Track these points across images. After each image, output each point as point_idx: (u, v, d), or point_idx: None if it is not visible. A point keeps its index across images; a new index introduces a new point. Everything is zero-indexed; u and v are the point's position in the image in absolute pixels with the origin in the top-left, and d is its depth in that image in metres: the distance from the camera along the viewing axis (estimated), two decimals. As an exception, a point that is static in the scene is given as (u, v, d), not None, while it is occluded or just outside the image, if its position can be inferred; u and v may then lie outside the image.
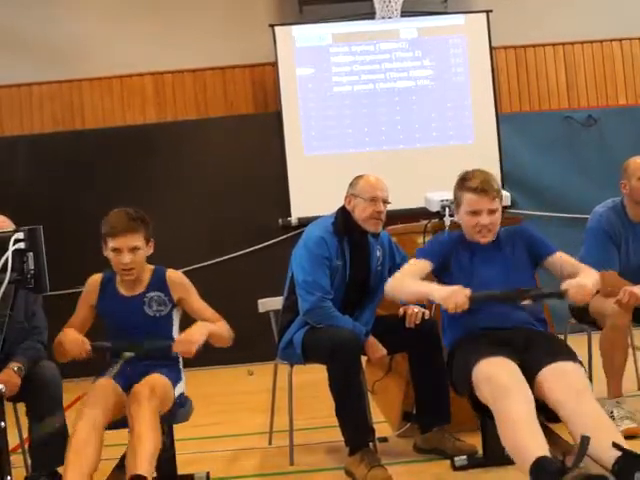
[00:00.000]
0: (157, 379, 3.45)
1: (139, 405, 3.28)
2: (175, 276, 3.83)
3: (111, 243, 3.61)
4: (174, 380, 3.61)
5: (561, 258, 3.67)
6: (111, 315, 3.70)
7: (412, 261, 3.71)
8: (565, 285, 3.40)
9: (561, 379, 3.10)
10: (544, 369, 3.15)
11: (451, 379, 3.56)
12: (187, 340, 3.51)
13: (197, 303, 3.85)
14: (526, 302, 3.47)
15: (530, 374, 3.16)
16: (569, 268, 3.61)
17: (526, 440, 2.85)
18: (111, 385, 3.43)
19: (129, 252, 3.61)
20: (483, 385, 3.15)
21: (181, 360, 3.80)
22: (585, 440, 2.66)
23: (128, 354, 3.46)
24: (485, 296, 3.42)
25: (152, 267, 3.82)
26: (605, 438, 2.79)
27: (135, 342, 3.53)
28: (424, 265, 3.63)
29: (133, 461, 3.11)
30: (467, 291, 3.30)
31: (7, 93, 8.03)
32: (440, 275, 3.65)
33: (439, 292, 3.37)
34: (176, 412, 3.60)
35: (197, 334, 3.54)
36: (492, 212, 3.59)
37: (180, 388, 3.72)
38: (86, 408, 3.28)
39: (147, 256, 3.76)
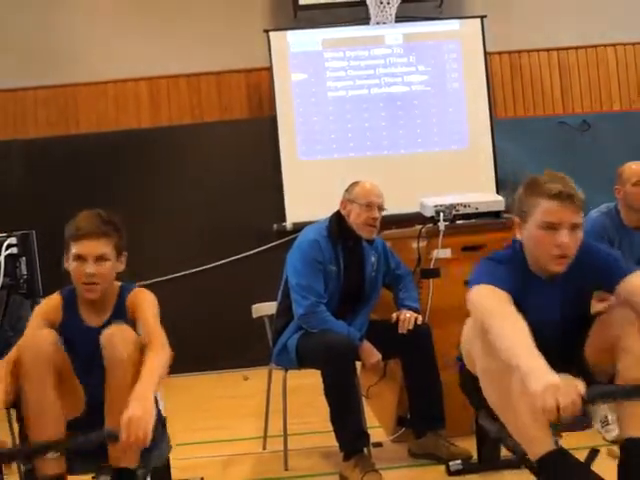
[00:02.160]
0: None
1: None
2: (134, 297, 3.16)
3: (74, 249, 3.04)
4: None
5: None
6: (73, 347, 3.07)
7: (490, 291, 2.73)
8: None
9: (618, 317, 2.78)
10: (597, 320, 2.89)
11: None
12: (133, 437, 2.62)
13: (146, 323, 3.06)
14: None
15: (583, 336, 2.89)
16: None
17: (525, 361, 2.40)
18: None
19: (95, 262, 3.03)
20: (471, 312, 2.77)
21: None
22: (593, 454, 2.58)
23: (51, 454, 2.80)
24: (603, 393, 2.54)
25: (118, 286, 3.20)
26: None
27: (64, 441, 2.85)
28: (502, 295, 2.71)
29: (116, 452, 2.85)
30: (580, 387, 2.33)
31: (1, 97, 8.01)
32: None
33: (537, 377, 2.34)
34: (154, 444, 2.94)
35: (143, 416, 2.65)
36: (575, 228, 2.82)
37: (160, 406, 3.20)
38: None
39: (117, 273, 3.17)
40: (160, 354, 2.92)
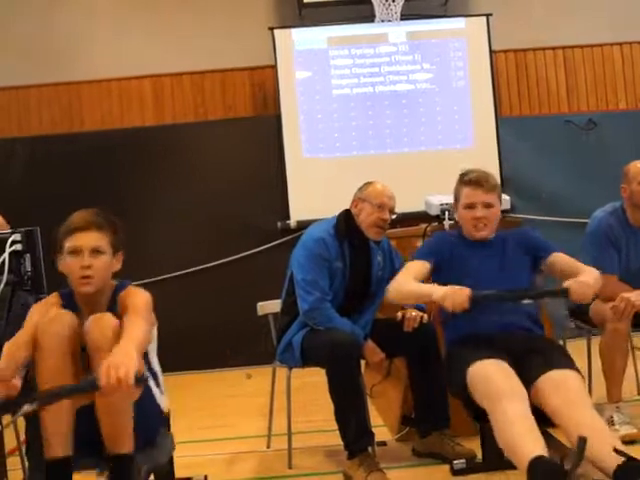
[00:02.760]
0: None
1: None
2: (126, 295, 3.07)
3: (68, 243, 2.99)
4: (155, 398, 3.10)
5: (562, 258, 3.67)
6: None
7: (410, 263, 3.70)
8: (566, 283, 3.41)
9: (558, 387, 3.09)
10: (542, 377, 3.15)
11: (447, 380, 3.56)
12: (114, 381, 2.56)
13: (131, 301, 3.01)
14: (527, 301, 3.45)
15: (527, 381, 3.15)
16: (569, 269, 3.60)
17: (523, 440, 2.85)
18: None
19: (90, 254, 2.99)
20: (478, 386, 3.15)
21: (160, 376, 3.24)
22: (582, 441, 2.64)
23: (26, 407, 2.64)
24: (485, 296, 3.38)
25: (114, 284, 3.15)
26: (604, 444, 2.78)
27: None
28: (422, 265, 3.64)
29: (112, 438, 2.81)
30: (467, 290, 3.29)
31: (5, 95, 8.01)
32: (437, 274, 3.64)
33: (438, 291, 3.37)
34: (158, 445, 3.05)
35: (122, 360, 2.60)
36: (488, 205, 3.62)
37: (162, 404, 3.20)
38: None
39: (113, 272, 3.12)
40: (138, 321, 2.87)
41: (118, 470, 2.80)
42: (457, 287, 3.32)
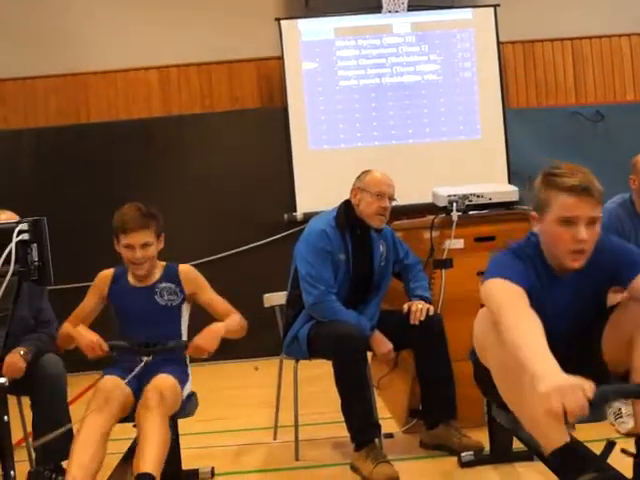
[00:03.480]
0: (166, 382, 3.43)
1: (149, 411, 3.27)
2: (187, 270, 3.86)
3: (123, 240, 3.65)
4: (182, 380, 3.61)
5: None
6: (123, 304, 3.74)
7: (504, 285, 2.66)
8: None
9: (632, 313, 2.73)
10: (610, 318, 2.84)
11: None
12: (201, 347, 3.55)
13: (209, 295, 3.88)
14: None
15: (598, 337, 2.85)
16: None
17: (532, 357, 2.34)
18: (119, 386, 3.41)
19: (141, 248, 3.65)
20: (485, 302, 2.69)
21: (188, 358, 3.81)
22: (610, 446, 2.50)
23: (146, 359, 3.45)
24: (608, 397, 2.36)
25: (164, 263, 3.85)
26: None
27: (150, 342, 3.55)
28: (520, 291, 2.65)
29: (142, 460, 3.10)
30: (588, 388, 2.21)
31: (12, 86, 8.01)
32: None
33: (545, 378, 2.25)
34: (182, 408, 3.58)
35: (211, 341, 3.59)
36: (592, 223, 2.75)
37: (187, 389, 3.72)
38: (93, 413, 3.25)
39: (158, 250, 3.79)
40: (237, 317, 3.85)
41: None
42: (575, 379, 2.23)
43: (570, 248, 2.74)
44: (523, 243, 2.97)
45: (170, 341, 3.60)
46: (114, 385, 3.40)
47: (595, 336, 2.93)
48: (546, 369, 2.28)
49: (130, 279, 3.78)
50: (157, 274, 3.79)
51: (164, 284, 3.76)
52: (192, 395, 3.78)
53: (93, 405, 3.29)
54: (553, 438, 2.58)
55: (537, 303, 2.64)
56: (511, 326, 2.49)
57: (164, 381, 3.43)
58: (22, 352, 3.60)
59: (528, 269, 2.80)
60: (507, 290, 2.65)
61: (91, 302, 3.77)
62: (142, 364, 3.40)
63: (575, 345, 2.84)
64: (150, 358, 3.44)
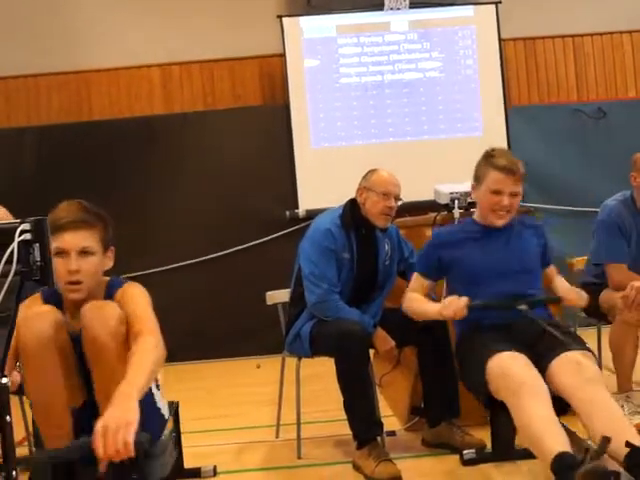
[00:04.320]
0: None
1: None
2: (122, 293, 2.88)
3: (55, 243, 2.69)
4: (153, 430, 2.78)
5: (552, 272, 3.70)
6: None
7: (415, 277, 3.73)
8: (561, 292, 3.54)
9: (572, 368, 3.07)
10: (555, 359, 3.13)
11: (462, 378, 3.54)
12: (112, 451, 2.31)
13: (133, 313, 2.77)
14: (523, 307, 3.40)
15: (541, 365, 3.14)
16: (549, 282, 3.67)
17: (546, 435, 2.81)
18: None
19: (78, 256, 2.79)
20: (497, 381, 3.11)
21: (159, 401, 3.04)
22: (605, 440, 2.61)
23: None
24: (483, 305, 3.40)
25: (106, 282, 2.94)
26: (617, 429, 2.76)
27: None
28: (422, 282, 3.68)
29: None
30: (463, 300, 3.31)
31: (14, 84, 8.02)
32: (450, 274, 3.65)
33: (434, 308, 3.46)
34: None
35: (120, 423, 2.32)
36: (514, 195, 3.52)
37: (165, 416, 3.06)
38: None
39: (104, 269, 2.94)
40: (150, 347, 2.62)
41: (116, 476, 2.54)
42: (451, 298, 3.35)
43: (495, 209, 3.51)
44: (448, 227, 3.98)
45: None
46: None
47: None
48: (433, 306, 3.50)
49: (67, 315, 2.86)
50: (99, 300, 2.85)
51: None
52: (169, 443, 3.12)
53: None
54: (550, 449, 2.73)
55: (468, 254, 3.54)
56: (411, 305, 3.65)
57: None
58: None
59: (435, 252, 3.64)
60: (413, 279, 3.73)
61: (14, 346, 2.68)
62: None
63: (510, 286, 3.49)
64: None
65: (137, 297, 2.82)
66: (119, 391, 2.42)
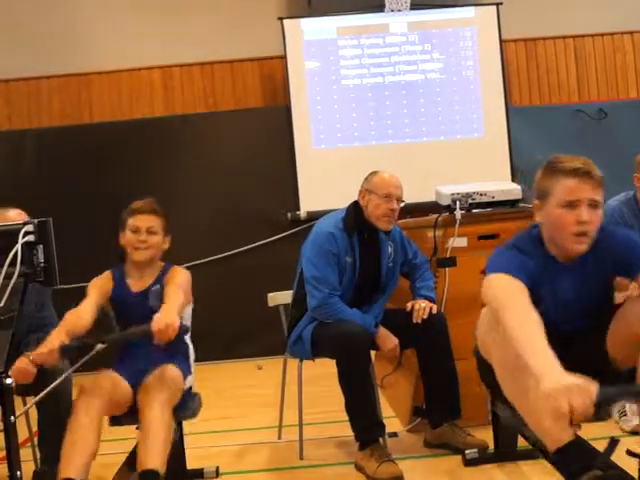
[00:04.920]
0: (167, 370, 3.38)
1: (148, 396, 3.24)
2: (171, 271, 3.70)
3: (131, 221, 3.63)
4: (184, 372, 3.52)
5: None
6: (123, 311, 3.63)
7: (504, 280, 2.70)
8: None
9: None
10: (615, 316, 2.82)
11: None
12: (163, 326, 3.12)
13: (171, 287, 3.54)
14: None
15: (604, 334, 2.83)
16: None
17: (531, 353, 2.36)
18: (113, 378, 3.40)
19: (147, 232, 3.62)
20: (485, 294, 2.70)
21: (191, 353, 3.76)
22: (613, 443, 2.42)
23: (100, 345, 3.09)
24: (614, 398, 2.30)
25: (163, 264, 3.76)
26: None
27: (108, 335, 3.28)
28: (522, 287, 2.66)
29: (144, 455, 3.07)
30: (594, 388, 2.19)
31: (15, 87, 8.02)
32: None
33: (549, 377, 2.24)
34: (185, 405, 3.49)
35: (168, 317, 3.16)
36: (594, 205, 2.79)
37: (189, 381, 3.62)
38: (83, 396, 3.24)
39: (162, 250, 3.73)
40: (175, 289, 3.48)
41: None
42: (579, 379, 2.21)
43: (573, 231, 2.76)
44: (525, 235, 3.00)
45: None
46: (108, 376, 3.40)
47: (601, 329, 2.92)
48: (548, 367, 2.27)
49: (129, 282, 3.67)
50: (153, 275, 3.69)
51: (155, 287, 3.63)
52: (196, 396, 3.70)
53: (85, 391, 3.27)
54: (557, 436, 2.57)
55: (540, 294, 2.72)
56: (512, 325, 2.50)
57: (164, 369, 3.38)
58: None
59: (528, 261, 2.80)
60: (507, 286, 2.67)
61: (93, 302, 3.51)
62: (93, 351, 3.06)
63: (580, 337, 2.87)
64: (104, 345, 3.08)
65: (179, 273, 3.66)
66: (162, 308, 3.27)
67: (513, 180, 7.29)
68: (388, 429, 3.96)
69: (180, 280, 3.61)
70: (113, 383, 3.38)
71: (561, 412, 2.16)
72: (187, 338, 3.73)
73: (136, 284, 3.67)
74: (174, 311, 3.26)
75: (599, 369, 2.45)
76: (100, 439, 3.18)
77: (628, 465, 2.61)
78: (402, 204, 4.14)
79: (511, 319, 2.52)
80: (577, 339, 2.84)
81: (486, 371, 2.99)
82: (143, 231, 3.62)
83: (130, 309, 3.60)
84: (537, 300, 2.65)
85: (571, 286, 2.90)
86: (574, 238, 2.78)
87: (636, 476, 2.57)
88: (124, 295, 3.64)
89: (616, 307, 2.96)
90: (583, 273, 2.89)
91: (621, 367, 2.87)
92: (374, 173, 4.19)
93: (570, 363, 2.29)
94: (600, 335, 2.90)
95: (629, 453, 2.50)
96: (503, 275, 2.70)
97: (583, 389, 2.17)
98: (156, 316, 3.16)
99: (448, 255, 4.34)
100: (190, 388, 3.65)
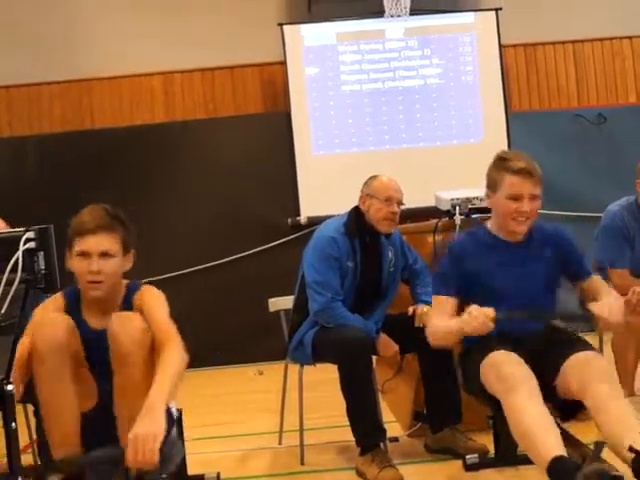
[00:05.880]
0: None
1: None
2: (141, 296, 3.02)
3: (77, 245, 2.90)
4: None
5: (595, 283, 3.44)
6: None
7: (436, 301, 3.41)
8: (596, 310, 3.21)
9: (585, 366, 3.04)
10: (566, 361, 3.10)
11: (463, 379, 3.51)
12: (141, 457, 2.47)
13: (156, 322, 2.90)
14: (557, 321, 3.32)
15: (554, 369, 3.12)
16: (595, 293, 3.40)
17: (539, 434, 2.79)
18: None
19: (99, 258, 2.89)
20: (489, 375, 3.10)
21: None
22: (599, 446, 2.61)
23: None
24: (510, 316, 3.13)
25: (126, 284, 3.07)
26: (627, 427, 2.76)
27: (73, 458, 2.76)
28: (448, 302, 3.35)
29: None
30: (489, 312, 3.02)
31: (16, 93, 8.04)
32: (466, 295, 3.33)
33: (454, 324, 3.17)
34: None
35: (149, 434, 2.49)
36: (534, 198, 3.29)
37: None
38: None
39: (124, 270, 3.04)
40: (176, 357, 2.76)
41: None
42: (474, 309, 3.04)
43: (515, 217, 3.28)
44: (462, 237, 3.66)
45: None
46: None
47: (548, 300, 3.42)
48: (457, 320, 3.13)
49: (84, 313, 3.00)
50: (116, 304, 2.99)
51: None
52: (177, 442, 3.18)
53: None
54: (545, 451, 2.72)
55: (486, 268, 3.32)
56: (436, 330, 3.33)
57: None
58: None
59: (456, 269, 3.36)
60: (435, 304, 3.43)
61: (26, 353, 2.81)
62: None
63: (527, 306, 3.29)
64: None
65: (155, 301, 2.98)
66: (148, 402, 2.57)
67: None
68: (389, 434, 3.96)
69: (164, 312, 2.94)
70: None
71: (472, 331, 3.02)
72: None
73: (95, 317, 3.00)
74: (160, 417, 2.55)
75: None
76: None
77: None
78: (402, 207, 4.16)
79: (433, 332, 3.35)
80: (527, 339, 3.27)
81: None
82: (95, 257, 2.89)
83: (89, 351, 2.94)
84: (487, 278, 3.30)
85: (516, 258, 3.36)
86: (515, 221, 3.29)
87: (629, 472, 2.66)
88: (80, 333, 2.93)
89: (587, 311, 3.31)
90: (527, 250, 3.37)
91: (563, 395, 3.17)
92: (373, 177, 4.21)
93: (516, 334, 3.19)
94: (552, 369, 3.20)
95: (631, 449, 2.64)
96: (435, 297, 3.43)
97: (478, 311, 3.00)
98: (133, 435, 2.47)
99: (448, 260, 4.35)
100: (172, 418, 3.10)
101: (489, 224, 3.48)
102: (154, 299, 2.98)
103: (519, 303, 3.26)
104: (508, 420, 2.97)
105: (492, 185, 3.38)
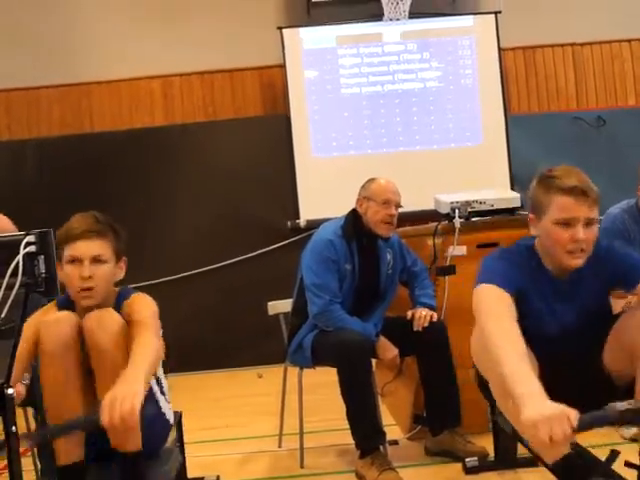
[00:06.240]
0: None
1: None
2: (131, 303, 2.90)
3: (68, 251, 2.83)
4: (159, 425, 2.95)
5: None
6: None
7: (493, 291, 2.71)
8: None
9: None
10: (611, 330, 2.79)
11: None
12: (117, 420, 2.34)
13: (137, 313, 2.82)
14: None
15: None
16: None
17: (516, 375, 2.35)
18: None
19: (91, 264, 2.82)
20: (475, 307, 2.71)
21: (165, 390, 3.08)
22: (614, 455, 2.42)
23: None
24: (592, 423, 2.22)
25: (116, 291, 2.99)
26: None
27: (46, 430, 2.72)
28: (508, 299, 2.68)
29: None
30: (573, 415, 2.16)
31: (15, 96, 8.04)
32: None
33: (529, 405, 2.22)
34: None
35: (127, 396, 2.37)
36: (590, 224, 2.77)
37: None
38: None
39: (116, 279, 2.98)
40: (150, 338, 2.68)
41: (125, 468, 2.72)
42: (558, 408, 2.17)
43: (569, 248, 2.75)
44: (513, 249, 2.98)
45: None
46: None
47: (598, 345, 2.91)
48: (528, 394, 2.27)
49: None
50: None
51: None
52: (173, 449, 3.15)
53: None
54: (554, 450, 2.50)
55: (533, 307, 2.77)
56: (495, 343, 2.49)
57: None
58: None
59: (518, 273, 2.79)
60: (494, 298, 2.69)
61: (24, 353, 2.72)
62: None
63: (576, 353, 2.84)
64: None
65: (143, 306, 2.86)
66: (124, 373, 2.48)
67: (512, 188, 7.30)
68: (388, 437, 3.96)
69: (147, 315, 2.81)
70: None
71: (542, 441, 2.13)
72: (159, 371, 3.04)
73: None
74: (138, 382, 2.44)
75: (595, 387, 2.53)
76: None
77: (630, 476, 2.62)
78: (400, 209, 4.16)
79: (495, 336, 2.52)
80: (573, 355, 2.83)
81: (484, 386, 2.99)
82: (85, 263, 2.82)
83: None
84: (526, 312, 2.70)
85: (568, 300, 2.88)
86: (569, 254, 2.77)
87: None
88: None
89: (614, 317, 2.94)
90: (580, 288, 2.88)
91: (617, 383, 2.86)
92: (371, 180, 4.22)
93: (565, 382, 2.37)
94: (598, 351, 2.88)
95: (627, 464, 2.46)
96: (491, 286, 2.71)
97: (563, 418, 2.14)
98: (109, 395, 2.37)
99: (447, 263, 4.35)
100: (169, 424, 3.10)
101: (539, 248, 2.92)
102: (142, 303, 2.89)
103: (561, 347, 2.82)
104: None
105: (537, 208, 2.85)
